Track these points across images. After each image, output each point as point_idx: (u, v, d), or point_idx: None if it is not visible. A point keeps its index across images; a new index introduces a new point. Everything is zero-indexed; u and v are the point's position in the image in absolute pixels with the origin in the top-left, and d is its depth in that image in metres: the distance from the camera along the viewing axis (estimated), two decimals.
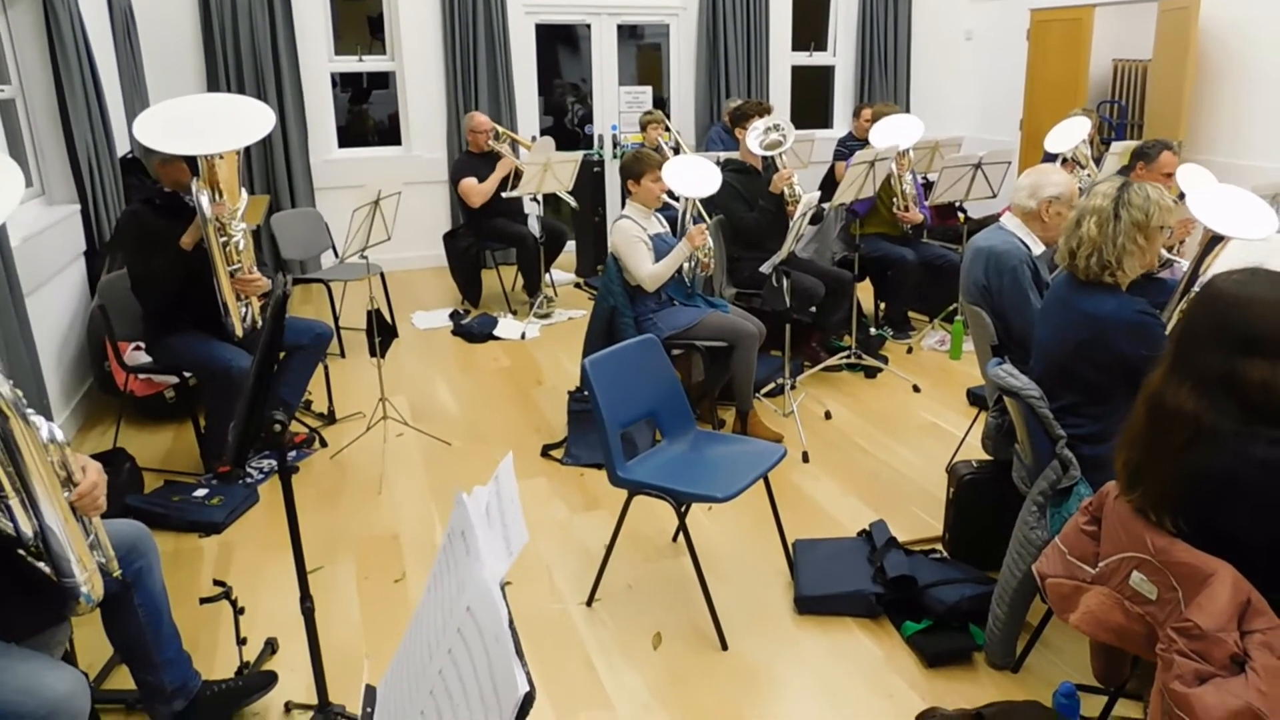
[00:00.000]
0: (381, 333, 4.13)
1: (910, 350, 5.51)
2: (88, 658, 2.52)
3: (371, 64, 7.64)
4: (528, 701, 0.88)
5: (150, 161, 3.58)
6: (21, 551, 1.72)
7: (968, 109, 8.79)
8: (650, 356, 3.12)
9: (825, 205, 5.06)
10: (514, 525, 0.96)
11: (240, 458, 1.85)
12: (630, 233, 4.01)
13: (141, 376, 4.19)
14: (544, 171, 5.92)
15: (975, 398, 4.65)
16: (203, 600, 2.46)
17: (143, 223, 3.59)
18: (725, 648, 2.75)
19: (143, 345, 4.03)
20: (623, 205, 4.21)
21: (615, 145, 8.08)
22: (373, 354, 4.17)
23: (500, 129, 6.59)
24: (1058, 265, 2.68)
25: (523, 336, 5.85)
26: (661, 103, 8.47)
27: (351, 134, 8.64)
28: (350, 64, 7.56)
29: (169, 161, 3.49)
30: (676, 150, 6.70)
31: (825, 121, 9.00)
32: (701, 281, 4.30)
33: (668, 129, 6.95)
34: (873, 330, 5.61)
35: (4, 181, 1.58)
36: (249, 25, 6.83)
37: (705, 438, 3.17)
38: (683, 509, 2.78)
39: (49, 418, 3.68)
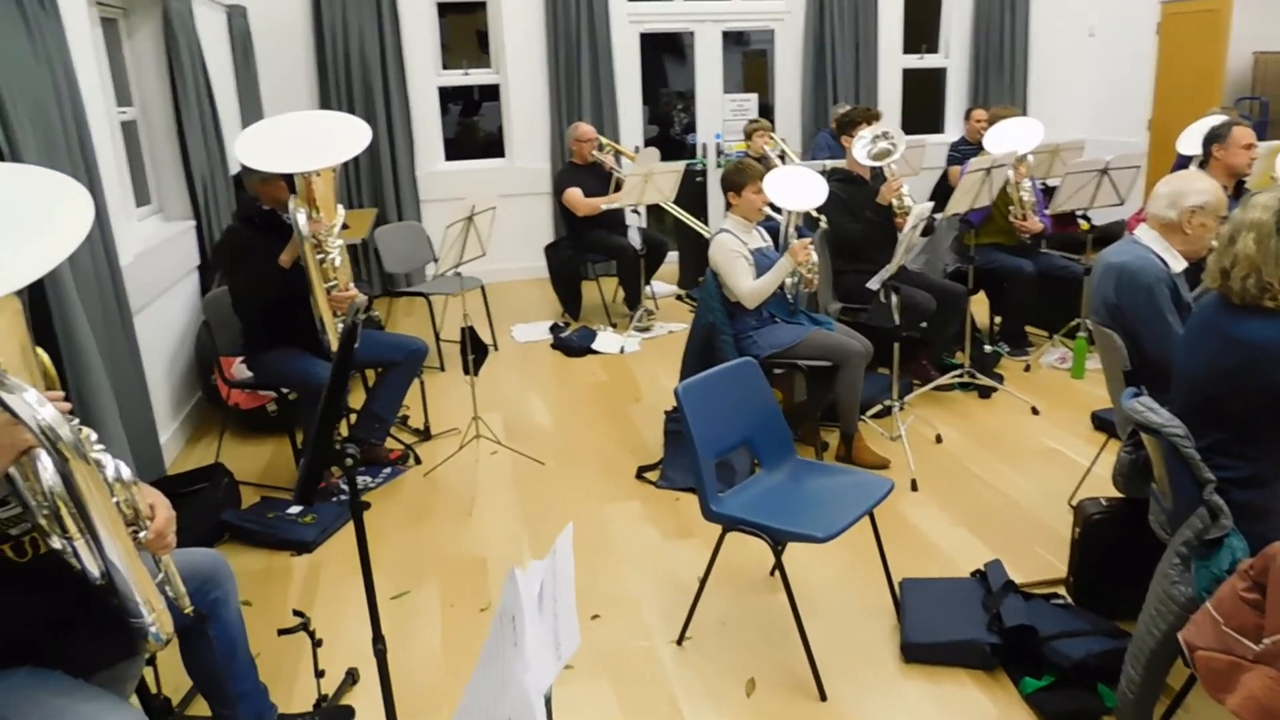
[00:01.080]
0: (475, 350, 4.08)
1: (1028, 368, 5.18)
2: (173, 681, 2.50)
3: (477, 77, 7.69)
4: None
5: (250, 180, 3.61)
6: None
7: (1089, 110, 8.28)
8: (747, 381, 2.95)
9: (937, 215, 4.79)
10: (566, 619, 0.84)
11: (307, 496, 1.78)
12: (729, 247, 3.85)
13: (245, 390, 4.26)
14: (645, 182, 5.81)
15: (1101, 422, 4.32)
16: (280, 632, 2.42)
17: (240, 241, 3.63)
18: (824, 698, 2.56)
19: None
20: (725, 216, 4.06)
21: (719, 154, 7.92)
22: (466, 372, 4.13)
23: (604, 140, 6.52)
24: (1201, 283, 2.40)
25: (621, 350, 5.75)
26: (767, 110, 8.28)
27: (460, 146, 8.75)
28: (456, 78, 7.62)
29: (268, 180, 3.51)
30: (782, 158, 6.52)
31: (937, 126, 8.65)
32: (805, 298, 4.10)
33: (773, 136, 6.77)
34: (987, 347, 5.29)
35: (76, 207, 1.53)
36: (359, 42, 6.97)
37: (806, 468, 2.98)
38: (779, 547, 2.61)
39: (153, 431, 3.79)
